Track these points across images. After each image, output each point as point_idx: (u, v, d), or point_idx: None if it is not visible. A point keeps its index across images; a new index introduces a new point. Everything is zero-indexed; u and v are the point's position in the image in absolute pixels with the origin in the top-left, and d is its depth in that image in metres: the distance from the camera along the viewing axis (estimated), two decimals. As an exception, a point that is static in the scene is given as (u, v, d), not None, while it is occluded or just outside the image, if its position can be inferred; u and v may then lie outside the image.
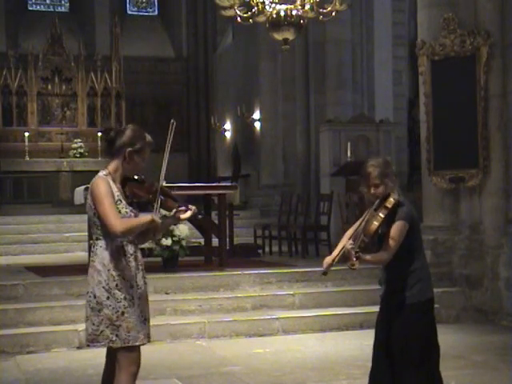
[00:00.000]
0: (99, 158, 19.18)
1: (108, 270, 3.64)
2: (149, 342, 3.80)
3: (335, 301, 8.04)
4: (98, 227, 3.68)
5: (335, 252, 3.98)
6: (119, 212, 3.65)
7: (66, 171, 18.67)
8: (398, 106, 14.69)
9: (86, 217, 9.83)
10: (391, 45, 14.68)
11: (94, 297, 3.65)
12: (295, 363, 6.23)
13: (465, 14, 8.19)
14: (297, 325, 7.55)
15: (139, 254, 3.79)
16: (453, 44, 8.17)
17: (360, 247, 3.81)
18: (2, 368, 6.24)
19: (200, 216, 3.77)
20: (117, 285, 3.64)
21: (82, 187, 9.07)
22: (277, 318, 7.53)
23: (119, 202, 3.68)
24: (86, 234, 9.41)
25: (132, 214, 3.72)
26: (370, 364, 5.44)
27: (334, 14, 8.94)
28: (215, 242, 9.20)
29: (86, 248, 9.58)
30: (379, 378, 4.05)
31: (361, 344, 6.83)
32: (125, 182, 3.75)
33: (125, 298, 3.65)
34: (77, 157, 19.74)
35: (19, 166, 18.90)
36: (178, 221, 3.85)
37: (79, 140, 20.06)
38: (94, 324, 3.65)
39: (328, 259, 3.97)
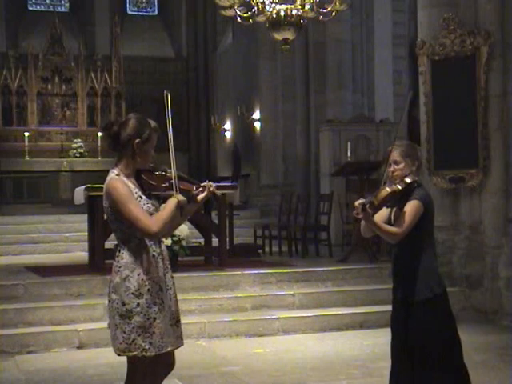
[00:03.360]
0: (99, 158, 19.19)
1: (138, 275, 3.44)
2: (182, 344, 3.62)
3: (335, 301, 8.03)
4: (122, 231, 3.49)
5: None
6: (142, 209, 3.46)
7: (65, 171, 18.68)
8: (398, 106, 14.70)
9: (85, 217, 9.86)
10: (391, 45, 14.70)
11: (123, 304, 3.42)
12: (295, 363, 6.23)
13: (465, 14, 8.18)
14: (297, 325, 7.55)
15: (165, 252, 3.61)
16: (453, 44, 8.17)
17: (369, 206, 3.69)
18: (2, 368, 6.24)
19: (218, 193, 3.55)
20: (148, 289, 3.44)
21: (82, 187, 9.06)
22: (277, 318, 7.53)
23: (139, 198, 3.48)
24: (86, 233, 9.42)
25: (153, 208, 3.52)
26: (369, 364, 5.43)
27: (333, 14, 8.94)
28: (215, 241, 9.20)
29: (86, 248, 9.58)
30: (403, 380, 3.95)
31: (361, 344, 6.83)
32: (138, 174, 3.56)
33: (155, 303, 3.45)
34: (77, 157, 19.76)
35: (19, 166, 18.91)
36: (197, 203, 3.60)
37: (79, 140, 20.08)
38: (124, 332, 3.42)
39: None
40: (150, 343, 3.43)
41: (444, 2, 8.36)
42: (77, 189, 9.78)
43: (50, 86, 20.69)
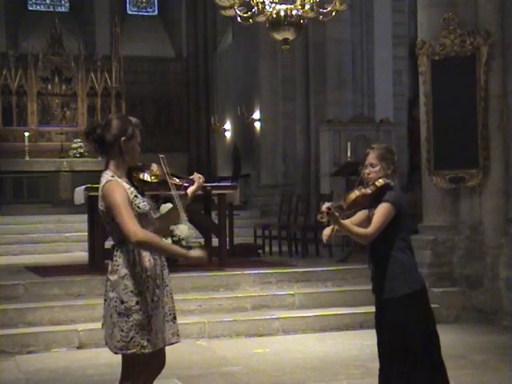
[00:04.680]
0: (99, 158, 19.15)
1: (137, 273, 3.48)
2: (179, 341, 3.66)
3: (335, 301, 8.04)
4: (119, 232, 3.49)
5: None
6: (138, 208, 3.49)
7: (65, 171, 18.67)
8: (398, 106, 14.70)
9: (85, 217, 9.85)
10: (391, 45, 14.69)
11: (122, 302, 3.46)
12: (295, 363, 6.23)
13: (465, 14, 8.18)
14: (297, 325, 7.55)
15: None
16: (453, 44, 8.17)
17: (335, 209, 3.74)
18: (2, 368, 6.24)
19: (208, 187, 3.61)
20: (148, 287, 3.49)
21: (82, 187, 9.06)
22: (277, 318, 7.53)
23: (135, 197, 3.51)
24: (86, 233, 9.42)
25: (149, 207, 3.55)
26: (369, 364, 5.45)
27: (333, 14, 8.93)
28: (215, 241, 9.20)
29: (86, 248, 9.59)
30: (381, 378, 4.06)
31: (361, 344, 6.83)
32: (129, 172, 3.60)
33: (152, 301, 3.50)
34: (77, 157, 19.76)
35: (19, 166, 18.91)
36: (187, 197, 3.65)
37: (79, 140, 20.06)
38: (122, 331, 3.45)
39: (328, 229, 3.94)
40: (148, 340, 3.47)
41: (444, 2, 8.36)
42: (77, 189, 9.78)
43: (50, 86, 20.69)
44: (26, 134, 19.72)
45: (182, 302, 7.65)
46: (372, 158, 3.99)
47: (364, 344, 6.78)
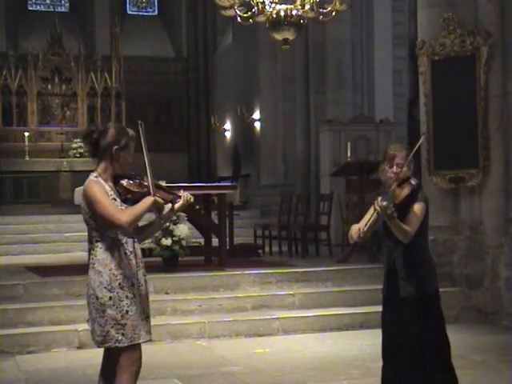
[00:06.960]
0: (98, 159, 19.18)
1: (109, 270, 3.65)
2: (151, 339, 3.80)
3: (335, 301, 8.03)
4: (96, 229, 3.71)
5: (363, 220, 3.98)
6: None
7: (65, 171, 18.67)
8: (398, 106, 14.71)
9: (86, 217, 9.78)
10: (391, 45, 14.70)
11: (97, 298, 3.65)
12: (295, 363, 6.23)
13: (465, 14, 8.19)
14: (297, 325, 7.55)
15: (139, 251, 3.80)
16: (453, 44, 8.17)
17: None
18: (2, 368, 6.24)
19: (197, 206, 3.75)
20: (119, 284, 3.65)
21: (82, 187, 9.06)
22: (277, 318, 7.53)
23: (113, 200, 3.68)
24: (86, 234, 9.41)
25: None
26: (369, 364, 5.44)
27: (333, 14, 8.94)
28: (215, 241, 9.20)
29: (86, 248, 9.57)
30: (388, 378, 4.07)
31: (361, 344, 6.84)
32: (116, 179, 3.76)
33: (127, 297, 3.66)
34: (77, 157, 19.75)
35: (19, 166, 18.91)
36: (174, 211, 3.83)
37: (79, 140, 20.03)
38: (100, 325, 3.65)
39: (355, 227, 3.95)
40: (123, 334, 3.65)
41: (444, 2, 8.36)
42: (77, 189, 9.77)
43: (50, 86, 20.69)
44: (26, 133, 19.73)
45: (182, 301, 7.65)
46: (401, 158, 4.00)
47: (364, 344, 6.79)
